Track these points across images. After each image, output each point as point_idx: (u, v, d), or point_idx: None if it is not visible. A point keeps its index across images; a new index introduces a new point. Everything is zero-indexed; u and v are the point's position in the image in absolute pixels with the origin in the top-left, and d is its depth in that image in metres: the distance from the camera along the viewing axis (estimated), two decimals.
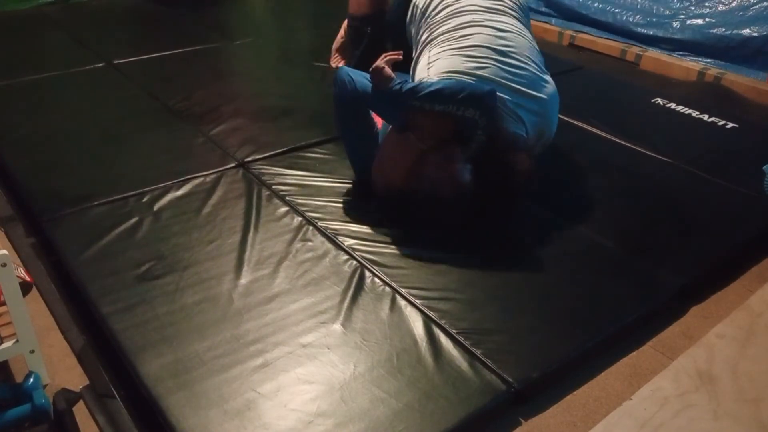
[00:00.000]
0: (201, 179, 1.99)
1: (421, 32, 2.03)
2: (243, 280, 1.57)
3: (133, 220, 1.78)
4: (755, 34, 3.04)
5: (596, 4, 3.60)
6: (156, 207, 1.84)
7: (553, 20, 3.80)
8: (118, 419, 1.25)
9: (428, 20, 2.01)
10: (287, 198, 1.91)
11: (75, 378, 1.35)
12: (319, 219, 1.82)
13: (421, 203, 1.73)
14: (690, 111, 2.66)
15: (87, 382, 1.34)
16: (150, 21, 3.69)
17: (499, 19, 1.95)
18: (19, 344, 1.26)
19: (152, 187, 1.93)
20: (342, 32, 2.56)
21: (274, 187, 1.97)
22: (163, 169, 2.03)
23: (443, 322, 1.47)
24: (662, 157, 2.25)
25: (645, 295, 1.60)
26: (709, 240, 1.83)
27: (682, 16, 3.32)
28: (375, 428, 1.21)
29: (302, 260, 1.65)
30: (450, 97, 1.66)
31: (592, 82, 3.02)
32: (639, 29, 3.42)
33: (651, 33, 3.38)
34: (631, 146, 2.33)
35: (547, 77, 1.92)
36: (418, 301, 1.53)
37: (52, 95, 2.59)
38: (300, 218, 1.82)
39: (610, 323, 1.51)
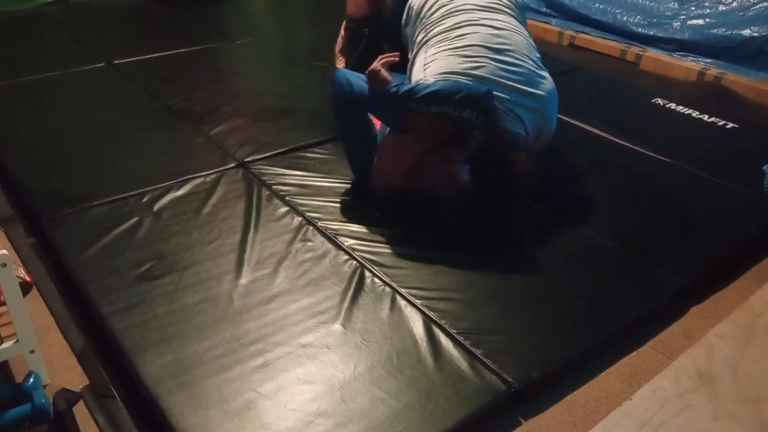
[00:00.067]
0: (201, 179, 1.99)
1: (416, 33, 2.03)
2: (243, 280, 1.57)
3: (133, 220, 1.78)
4: (755, 35, 3.04)
5: (597, 5, 3.61)
6: (156, 207, 1.84)
7: (553, 20, 3.80)
8: (118, 419, 1.25)
9: (423, 21, 2.01)
10: (287, 198, 1.91)
11: (75, 378, 1.35)
12: (319, 219, 1.82)
13: (421, 204, 1.73)
14: (690, 111, 2.66)
15: (87, 382, 1.34)
16: (150, 21, 3.69)
17: (494, 17, 1.94)
18: (19, 344, 1.26)
19: (152, 187, 1.93)
20: (342, 33, 2.56)
21: (274, 187, 1.97)
22: (163, 169, 2.03)
23: (443, 322, 1.47)
24: (662, 157, 2.25)
25: (645, 295, 1.60)
26: (709, 240, 1.83)
27: (683, 17, 3.32)
28: (375, 428, 1.21)
29: (302, 260, 1.65)
30: (446, 98, 1.66)
31: (592, 82, 3.02)
32: (639, 29, 3.42)
33: (651, 33, 3.38)
34: (631, 146, 2.33)
35: (545, 73, 1.92)
36: (418, 301, 1.53)
37: (52, 95, 2.59)
38: (300, 218, 1.82)
39: (610, 323, 1.51)
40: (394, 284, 1.58)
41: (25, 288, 1.55)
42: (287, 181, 2.00)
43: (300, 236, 1.74)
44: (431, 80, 1.77)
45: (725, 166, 2.22)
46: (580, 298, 1.58)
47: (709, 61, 3.20)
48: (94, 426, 1.24)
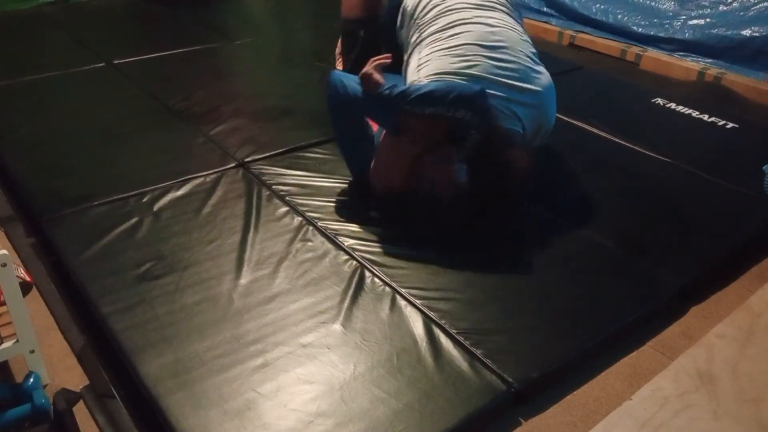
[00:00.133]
0: (201, 179, 1.99)
1: (410, 34, 2.03)
2: (243, 280, 1.57)
3: (133, 220, 1.78)
4: (755, 35, 3.04)
5: (597, 5, 3.61)
6: (156, 207, 1.84)
7: (553, 20, 3.80)
8: (118, 419, 1.25)
9: (417, 21, 2.01)
10: (287, 198, 1.91)
11: (75, 378, 1.35)
12: (319, 219, 1.82)
13: (420, 204, 1.73)
14: (690, 111, 2.66)
15: (87, 382, 1.34)
16: (150, 21, 3.69)
17: (487, 15, 1.94)
18: (19, 344, 1.26)
19: (152, 187, 1.93)
20: None
21: (274, 187, 1.97)
22: (163, 169, 2.03)
23: (443, 322, 1.47)
24: (662, 157, 2.25)
25: (645, 295, 1.60)
26: (709, 240, 1.83)
27: (683, 17, 3.32)
28: (375, 428, 1.21)
29: (302, 260, 1.65)
30: (440, 99, 1.66)
31: (592, 82, 3.02)
32: (639, 29, 3.42)
33: (651, 33, 3.38)
34: (631, 146, 2.33)
35: (541, 68, 1.90)
36: (418, 301, 1.53)
37: (52, 95, 2.59)
38: (300, 218, 1.82)
39: (610, 323, 1.51)
40: (394, 284, 1.58)
41: (25, 288, 1.55)
42: (287, 181, 2.00)
43: (300, 236, 1.74)
44: (425, 81, 1.77)
45: (725, 166, 2.22)
46: (580, 298, 1.58)
47: (709, 61, 3.20)
48: (94, 426, 1.24)
